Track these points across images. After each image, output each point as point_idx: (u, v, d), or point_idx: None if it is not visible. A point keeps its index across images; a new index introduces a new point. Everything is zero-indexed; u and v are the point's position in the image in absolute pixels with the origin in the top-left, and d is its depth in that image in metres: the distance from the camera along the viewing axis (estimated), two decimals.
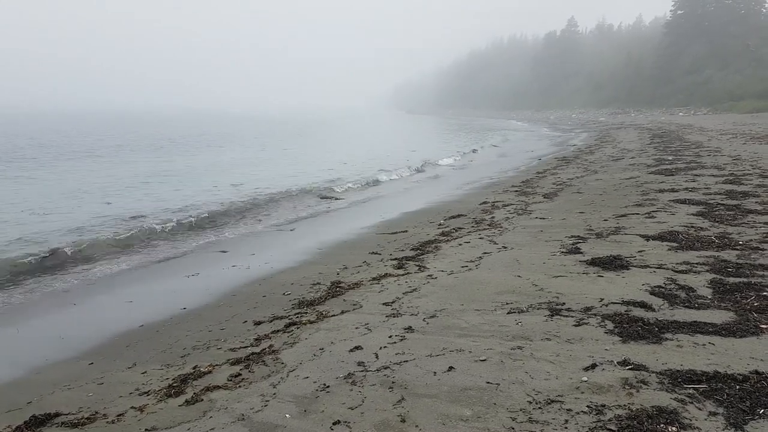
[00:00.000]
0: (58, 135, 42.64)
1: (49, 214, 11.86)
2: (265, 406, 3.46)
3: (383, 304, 5.33)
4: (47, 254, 8.29)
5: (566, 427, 2.97)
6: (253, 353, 4.42)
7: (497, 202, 11.82)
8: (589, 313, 4.65)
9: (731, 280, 5.27)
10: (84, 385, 4.22)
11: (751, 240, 6.72)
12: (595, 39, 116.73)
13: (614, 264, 6.04)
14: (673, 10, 78.08)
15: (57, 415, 3.75)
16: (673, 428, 2.88)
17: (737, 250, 6.33)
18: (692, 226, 7.69)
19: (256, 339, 4.83)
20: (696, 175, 13.01)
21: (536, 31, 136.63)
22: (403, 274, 6.42)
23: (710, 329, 4.14)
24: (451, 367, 3.76)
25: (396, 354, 4.06)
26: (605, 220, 8.69)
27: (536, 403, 3.22)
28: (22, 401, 4.02)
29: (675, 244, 6.78)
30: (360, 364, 3.93)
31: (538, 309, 4.83)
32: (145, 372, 4.41)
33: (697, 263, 5.89)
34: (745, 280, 5.24)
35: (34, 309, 6.46)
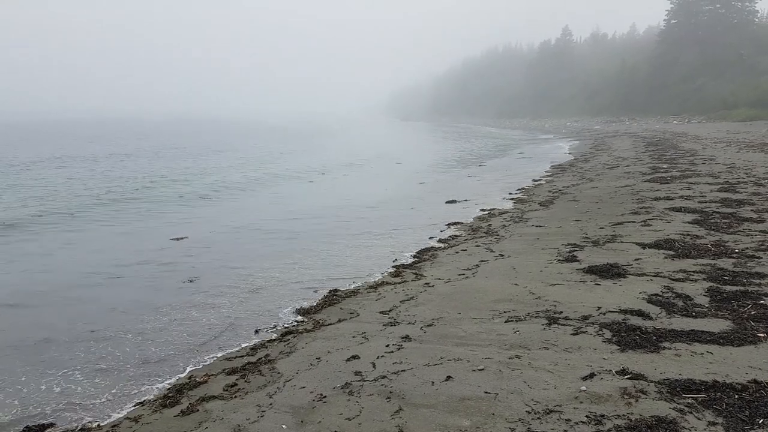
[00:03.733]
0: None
1: None
2: (261, 416, 3.42)
3: (380, 312, 5.31)
4: None
5: None
6: (249, 363, 4.38)
7: (494, 210, 11.84)
8: (587, 321, 4.64)
9: (728, 288, 5.28)
10: (78, 396, 4.17)
11: (747, 248, 6.74)
12: (590, 48, 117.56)
13: (611, 272, 6.04)
14: (666, 19, 78.79)
15: (51, 425, 3.71)
16: None
17: (733, 258, 6.34)
18: (688, 234, 7.71)
19: (253, 348, 4.79)
20: (691, 183, 13.06)
21: (531, 40, 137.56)
22: (400, 282, 6.40)
23: (708, 338, 4.14)
24: (449, 377, 3.73)
25: (393, 363, 4.03)
26: (601, 228, 8.71)
27: (535, 414, 3.20)
28: (15, 412, 3.97)
29: (671, 252, 6.79)
30: (357, 373, 3.90)
31: (535, 317, 4.82)
32: (140, 382, 4.36)
33: (693, 271, 5.90)
34: (742, 288, 5.25)
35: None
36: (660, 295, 5.18)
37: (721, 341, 4.07)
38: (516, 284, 5.87)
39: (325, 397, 3.59)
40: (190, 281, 7.40)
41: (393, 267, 7.37)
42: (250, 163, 26.01)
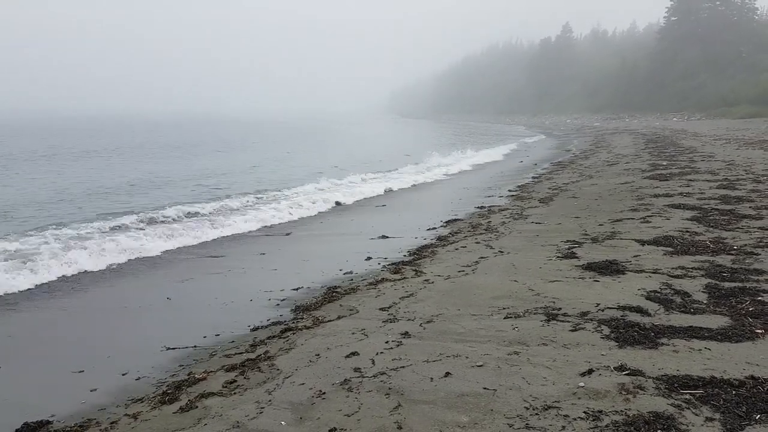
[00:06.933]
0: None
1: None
2: (260, 413, 3.43)
3: (380, 309, 5.31)
4: None
5: None
6: (248, 359, 4.39)
7: (493, 206, 11.85)
8: (586, 318, 4.65)
9: (726, 284, 5.29)
10: (77, 393, 4.18)
11: (746, 245, 6.75)
12: (590, 45, 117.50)
13: (610, 269, 6.05)
14: (666, 16, 78.73)
15: (49, 423, 3.72)
16: None
17: (732, 254, 6.35)
18: (687, 231, 7.72)
19: (252, 345, 4.80)
20: (690, 180, 13.07)
21: (531, 37, 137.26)
22: (399, 279, 6.41)
23: (706, 334, 4.15)
24: (447, 373, 3.74)
25: (392, 360, 4.04)
26: (600, 224, 8.72)
27: (533, 409, 3.21)
28: (14, 410, 3.98)
29: (670, 249, 6.80)
30: (356, 370, 3.91)
31: (534, 314, 4.83)
32: (139, 378, 4.38)
33: (692, 268, 5.91)
34: (740, 284, 5.26)
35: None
36: (658, 292, 5.20)
37: (719, 337, 4.08)
38: (515, 281, 5.87)
39: (324, 393, 3.60)
40: (191, 279, 7.41)
41: (392, 264, 7.38)
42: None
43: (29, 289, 6.96)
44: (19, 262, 7.65)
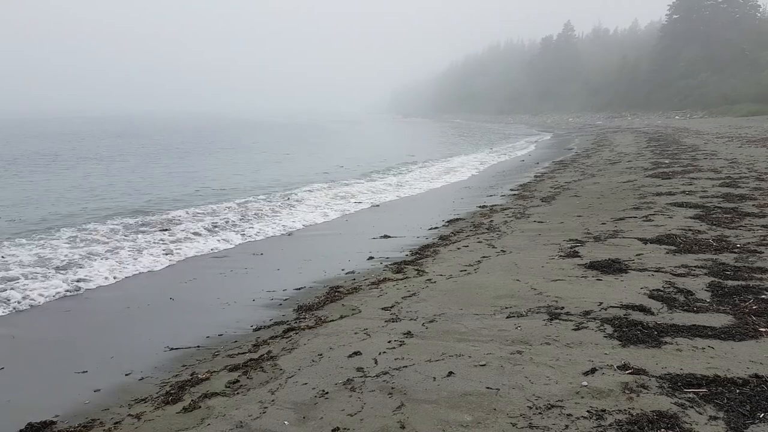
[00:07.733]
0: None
1: None
2: (264, 413, 3.43)
3: (382, 308, 5.31)
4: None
5: None
6: (251, 359, 4.39)
7: (495, 206, 11.84)
8: (588, 317, 4.65)
9: (729, 283, 5.28)
10: (80, 393, 4.19)
11: (749, 243, 6.73)
12: (592, 43, 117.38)
13: (613, 267, 6.04)
14: (668, 14, 78.57)
15: (53, 423, 3.72)
16: None
17: (735, 253, 6.34)
18: (690, 230, 7.70)
19: (255, 345, 4.80)
20: (693, 179, 13.05)
21: (533, 36, 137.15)
22: (402, 279, 6.41)
23: (709, 333, 4.14)
24: (450, 373, 3.74)
25: (395, 359, 4.04)
26: (603, 223, 8.71)
27: (536, 409, 3.21)
28: (17, 410, 3.99)
29: (673, 248, 6.79)
30: (359, 369, 3.91)
31: (537, 313, 4.83)
32: (142, 379, 4.38)
33: (695, 266, 5.90)
34: (744, 283, 5.25)
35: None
36: (661, 290, 5.19)
37: (723, 336, 4.07)
38: (518, 280, 5.87)
39: (327, 393, 3.60)
40: (194, 279, 7.42)
41: (394, 263, 7.37)
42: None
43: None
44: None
